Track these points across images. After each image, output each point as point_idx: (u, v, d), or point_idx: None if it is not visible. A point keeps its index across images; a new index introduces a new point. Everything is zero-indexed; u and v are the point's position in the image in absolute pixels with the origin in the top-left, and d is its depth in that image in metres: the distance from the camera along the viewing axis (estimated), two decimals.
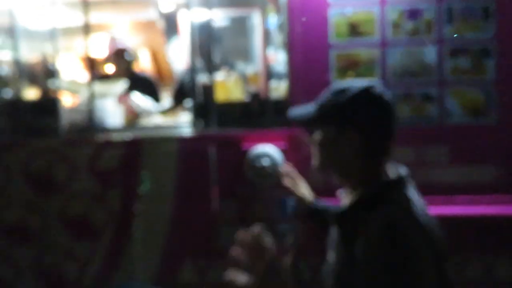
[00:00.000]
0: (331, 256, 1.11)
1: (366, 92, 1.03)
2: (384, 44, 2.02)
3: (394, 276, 0.88)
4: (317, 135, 1.10)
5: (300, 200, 1.64)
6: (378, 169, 1.04)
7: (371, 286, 0.90)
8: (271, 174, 1.99)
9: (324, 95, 1.10)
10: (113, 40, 3.16)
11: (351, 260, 0.96)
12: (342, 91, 1.05)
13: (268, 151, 2.00)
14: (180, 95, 3.13)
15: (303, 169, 2.03)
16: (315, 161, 1.13)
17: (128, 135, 2.14)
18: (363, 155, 1.02)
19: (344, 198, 1.15)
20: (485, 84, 2.00)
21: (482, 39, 2.00)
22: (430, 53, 2.01)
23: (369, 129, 1.02)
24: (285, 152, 2.02)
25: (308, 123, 1.14)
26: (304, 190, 1.66)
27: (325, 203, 1.59)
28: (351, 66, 2.03)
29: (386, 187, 1.02)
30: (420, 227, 0.94)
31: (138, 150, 2.09)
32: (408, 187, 1.03)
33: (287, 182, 1.68)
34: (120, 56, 3.13)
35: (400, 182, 1.03)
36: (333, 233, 1.13)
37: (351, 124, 1.02)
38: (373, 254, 0.91)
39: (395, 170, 1.07)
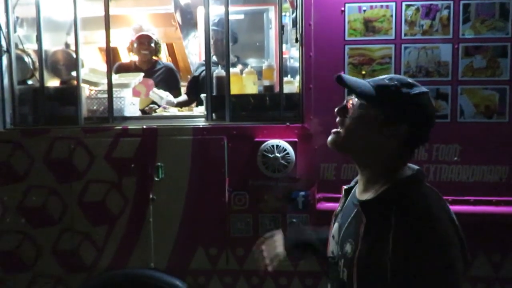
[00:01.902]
0: (345, 247, 1.06)
1: (428, 94, 1.04)
2: (399, 41, 2.03)
3: (433, 264, 0.90)
4: (360, 110, 1.04)
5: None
6: (405, 165, 1.06)
7: (410, 275, 0.91)
8: (283, 167, 2.03)
9: (385, 79, 1.05)
10: (138, 29, 3.20)
11: (380, 246, 0.95)
12: (409, 85, 1.03)
13: (280, 144, 2.04)
14: (193, 88, 3.18)
15: (313, 163, 2.07)
16: (335, 136, 1.06)
17: (144, 125, 2.20)
18: (400, 149, 1.03)
19: (357, 189, 1.12)
20: (499, 83, 2.00)
21: (499, 38, 1.99)
22: (444, 51, 2.01)
23: (419, 129, 1.03)
24: (296, 145, 2.06)
25: (365, 96, 1.04)
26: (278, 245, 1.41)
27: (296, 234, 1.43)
28: (365, 63, 2.04)
29: (414, 180, 1.03)
30: (450, 217, 0.98)
31: (154, 139, 2.15)
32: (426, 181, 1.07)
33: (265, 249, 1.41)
34: (145, 43, 3.14)
35: (423, 177, 1.06)
36: (348, 224, 1.09)
37: (409, 117, 1.01)
38: (411, 246, 0.91)
39: (409, 167, 1.08)
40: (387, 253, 0.93)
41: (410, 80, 1.06)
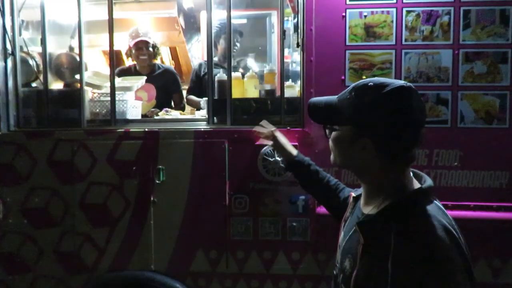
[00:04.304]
0: (345, 262, 1.03)
1: (393, 95, 0.93)
2: (399, 47, 2.04)
3: None
4: (334, 131, 1.04)
5: (286, 153, 1.74)
6: (401, 176, 0.98)
7: None
8: (283, 171, 2.04)
9: (347, 91, 1.01)
10: (135, 35, 3.20)
11: (379, 269, 0.91)
12: (367, 91, 0.96)
13: None
14: (196, 87, 3.20)
15: None
16: (331, 156, 1.09)
17: (146, 128, 2.21)
18: (380, 161, 0.97)
19: (361, 200, 1.09)
20: (499, 89, 2.00)
21: (499, 44, 2.00)
22: (445, 57, 2.02)
23: (389, 137, 0.94)
24: (296, 149, 2.06)
25: (326, 120, 1.06)
26: (289, 145, 1.77)
27: (305, 157, 1.71)
28: (366, 68, 2.06)
29: (416, 198, 0.97)
30: (453, 237, 0.91)
31: (155, 142, 2.17)
32: (435, 197, 1.00)
33: (277, 139, 1.78)
34: (143, 48, 3.13)
35: (429, 193, 0.99)
36: (350, 237, 1.06)
37: (368, 129, 0.95)
38: (411, 269, 0.86)
39: (420, 179, 1.03)
40: (386, 276, 0.88)
41: (372, 82, 0.96)
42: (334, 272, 1.10)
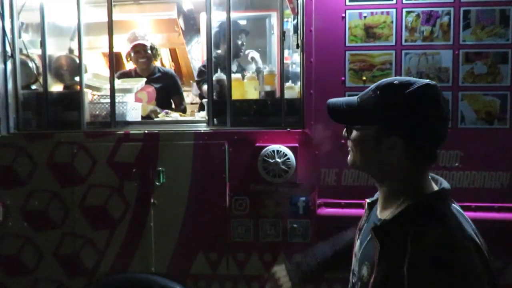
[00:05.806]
0: (362, 269, 1.01)
1: (421, 93, 0.92)
2: (399, 47, 2.04)
3: None
4: (355, 131, 1.00)
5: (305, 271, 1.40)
6: (422, 179, 0.97)
7: None
8: (283, 172, 2.04)
9: (370, 90, 0.99)
10: (132, 38, 3.21)
11: (395, 274, 0.88)
12: (394, 90, 0.94)
13: (280, 149, 2.05)
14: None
15: (314, 169, 2.07)
16: (350, 157, 1.04)
17: (146, 130, 2.21)
18: (406, 161, 0.94)
19: (378, 205, 1.05)
20: (500, 89, 2.00)
21: (499, 44, 2.00)
22: (445, 58, 2.02)
23: (417, 135, 0.92)
24: (297, 150, 2.06)
25: (349, 119, 1.01)
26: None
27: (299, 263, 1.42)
28: (366, 68, 2.05)
29: (434, 200, 0.95)
30: (474, 242, 0.89)
31: (155, 144, 2.16)
32: (453, 201, 0.98)
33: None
34: (141, 51, 3.15)
35: (446, 195, 0.97)
36: (366, 245, 1.03)
37: (398, 127, 0.93)
38: (431, 273, 0.84)
39: (436, 182, 1.01)
40: (402, 281, 0.87)
41: (397, 81, 0.95)
42: (352, 281, 1.08)
